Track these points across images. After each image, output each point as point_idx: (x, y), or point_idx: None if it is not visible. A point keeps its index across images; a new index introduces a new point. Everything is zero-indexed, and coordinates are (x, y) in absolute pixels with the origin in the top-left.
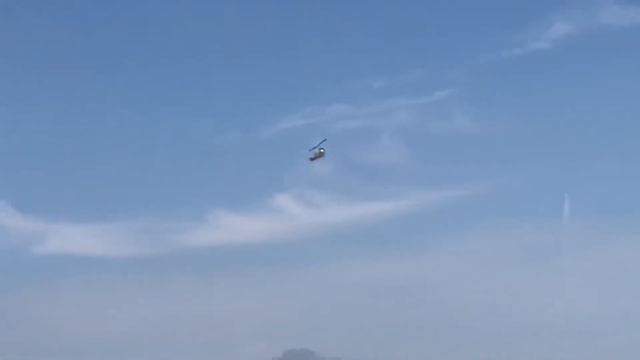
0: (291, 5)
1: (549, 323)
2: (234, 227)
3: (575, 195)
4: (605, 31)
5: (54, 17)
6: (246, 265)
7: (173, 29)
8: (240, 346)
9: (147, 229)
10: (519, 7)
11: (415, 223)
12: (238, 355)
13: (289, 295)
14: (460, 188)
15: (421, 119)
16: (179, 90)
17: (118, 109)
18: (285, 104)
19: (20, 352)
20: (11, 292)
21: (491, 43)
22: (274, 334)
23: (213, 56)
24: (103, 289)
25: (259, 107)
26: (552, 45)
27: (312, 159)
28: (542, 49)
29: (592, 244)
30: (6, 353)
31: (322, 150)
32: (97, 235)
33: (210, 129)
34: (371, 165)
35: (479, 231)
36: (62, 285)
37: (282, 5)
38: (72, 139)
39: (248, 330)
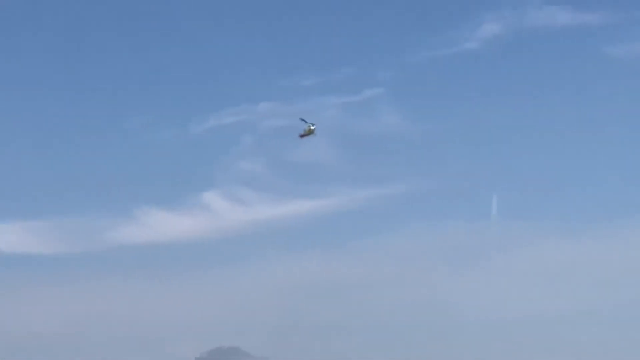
0: (221, 3)
1: (473, 322)
2: (163, 224)
3: (503, 195)
4: (534, 32)
5: None
6: (174, 262)
7: (103, 22)
8: (166, 344)
9: (75, 227)
10: (448, 8)
11: (343, 221)
12: (162, 354)
13: (217, 293)
14: (389, 186)
15: (350, 117)
16: (109, 87)
17: (46, 104)
18: (215, 101)
19: None
20: None
21: (420, 43)
22: (201, 332)
23: (142, 53)
24: (28, 287)
25: (189, 104)
26: (481, 45)
27: (302, 136)
28: (471, 49)
29: (518, 244)
30: None
31: (312, 127)
32: (23, 232)
33: (140, 125)
34: (300, 163)
35: (407, 230)
36: None
37: (214, 3)
38: None
39: (175, 328)
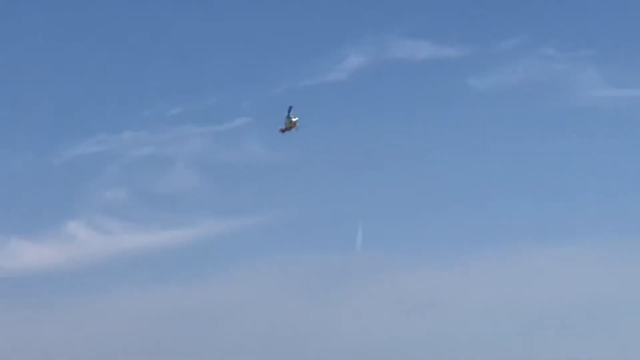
0: (85, 33)
1: (333, 350)
2: (25, 254)
3: (368, 225)
4: (396, 64)
5: None
6: (36, 293)
7: None
8: None
9: None
10: (312, 39)
11: (209, 251)
12: None
13: (80, 323)
14: (255, 216)
15: (216, 146)
16: None
17: None
18: (79, 130)
19: None
20: None
21: (285, 73)
22: None
23: (3, 80)
24: None
25: (53, 133)
26: (346, 76)
27: (283, 130)
28: (336, 80)
29: (381, 274)
30: None
31: (294, 120)
32: None
33: (0, 155)
34: (165, 192)
35: (271, 259)
36: None
37: (74, 35)
38: None
39: (34, 359)
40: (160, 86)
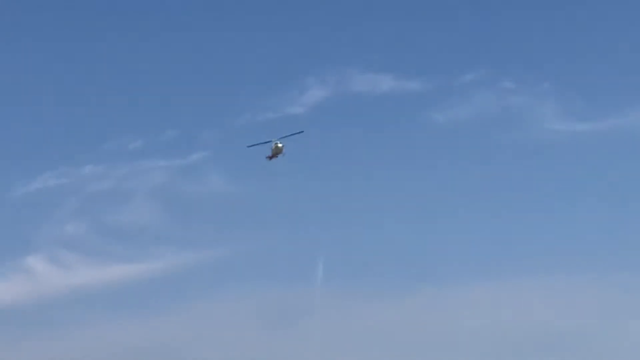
0: (46, 67)
1: None
2: None
3: (329, 260)
4: (358, 97)
5: None
6: None
7: None
8: None
9: None
10: (274, 72)
11: (169, 284)
12: None
13: (38, 358)
14: (215, 249)
15: (176, 180)
16: None
17: None
18: (38, 164)
19: None
20: None
21: (246, 106)
22: None
23: None
24: None
25: (10, 165)
26: (307, 110)
27: (270, 158)
28: (297, 113)
29: (343, 308)
30: None
31: (280, 145)
32: None
33: None
34: (125, 226)
35: (233, 293)
36: None
37: (37, 68)
38: None
39: None
40: (121, 120)
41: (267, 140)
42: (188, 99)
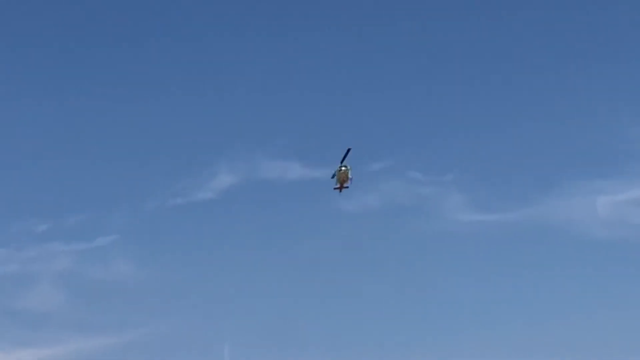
0: None
1: None
2: None
3: (235, 344)
4: (267, 184)
5: None
6: None
7: None
8: None
9: None
10: (182, 156)
11: None
12: None
13: None
14: (121, 335)
15: (83, 264)
16: None
17: None
18: None
19: None
20: None
21: (155, 192)
22: None
23: None
24: None
25: None
26: (216, 195)
27: (339, 189)
28: (206, 199)
29: None
30: None
31: (344, 169)
32: None
33: None
34: (30, 311)
35: None
36: None
37: None
38: None
39: None
40: (29, 202)
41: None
42: (96, 182)
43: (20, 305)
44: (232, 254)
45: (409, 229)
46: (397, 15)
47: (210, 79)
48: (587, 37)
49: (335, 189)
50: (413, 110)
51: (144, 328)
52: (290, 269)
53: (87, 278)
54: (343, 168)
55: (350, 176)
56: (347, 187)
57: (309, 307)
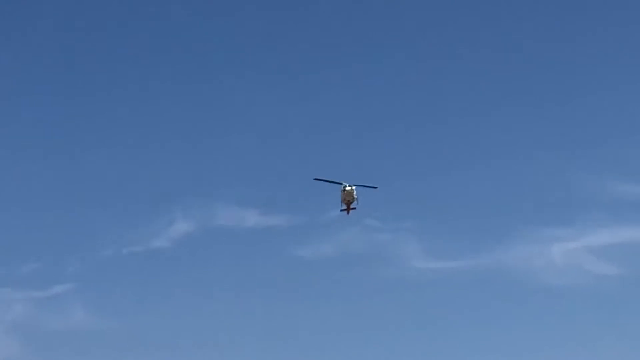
0: None
1: None
2: None
3: None
4: (224, 231)
5: None
6: None
7: None
8: None
9: None
10: (139, 204)
11: None
12: None
13: None
14: None
15: (37, 313)
16: None
17: None
18: None
19: None
20: None
21: (111, 239)
22: None
23: None
24: None
25: None
26: (172, 243)
27: (346, 210)
28: (162, 247)
29: None
30: None
31: (349, 188)
32: None
33: None
34: None
35: None
36: None
37: None
38: None
39: None
40: None
41: (337, 181)
42: (51, 229)
43: None
44: (189, 301)
45: (365, 276)
46: (341, 61)
47: (165, 128)
48: (542, 85)
49: (342, 210)
50: (370, 157)
51: None
52: (246, 316)
53: (42, 327)
54: (347, 188)
55: (355, 196)
56: (354, 209)
57: (263, 355)
